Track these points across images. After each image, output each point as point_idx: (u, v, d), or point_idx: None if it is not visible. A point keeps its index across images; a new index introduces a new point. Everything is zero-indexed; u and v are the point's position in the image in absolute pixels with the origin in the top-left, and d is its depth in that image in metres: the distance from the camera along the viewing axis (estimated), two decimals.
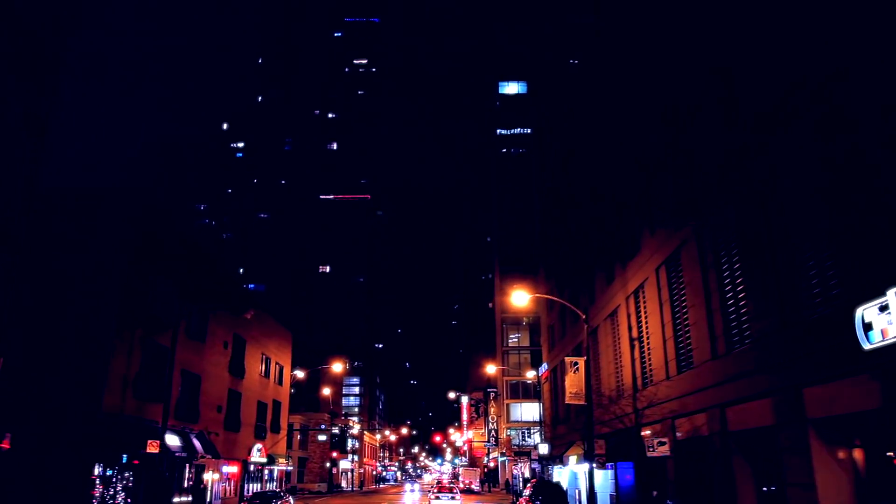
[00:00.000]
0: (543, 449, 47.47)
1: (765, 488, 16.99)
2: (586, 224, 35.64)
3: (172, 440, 29.15)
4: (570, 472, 38.75)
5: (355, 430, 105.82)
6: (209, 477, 35.94)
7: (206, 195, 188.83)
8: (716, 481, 18.84)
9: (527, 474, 51.23)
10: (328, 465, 78.37)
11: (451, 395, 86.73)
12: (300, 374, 58.12)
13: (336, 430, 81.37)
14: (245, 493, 42.14)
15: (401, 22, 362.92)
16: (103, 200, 27.73)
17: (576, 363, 26.48)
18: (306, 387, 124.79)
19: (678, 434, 21.93)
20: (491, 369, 63.21)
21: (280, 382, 51.84)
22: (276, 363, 50.64)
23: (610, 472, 30.40)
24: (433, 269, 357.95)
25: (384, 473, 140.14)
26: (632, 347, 27.08)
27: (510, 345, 79.84)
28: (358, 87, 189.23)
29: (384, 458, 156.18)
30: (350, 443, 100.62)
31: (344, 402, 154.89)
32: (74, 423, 24.33)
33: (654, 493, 24.32)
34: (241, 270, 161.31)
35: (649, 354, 25.17)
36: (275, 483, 50.23)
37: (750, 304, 16.85)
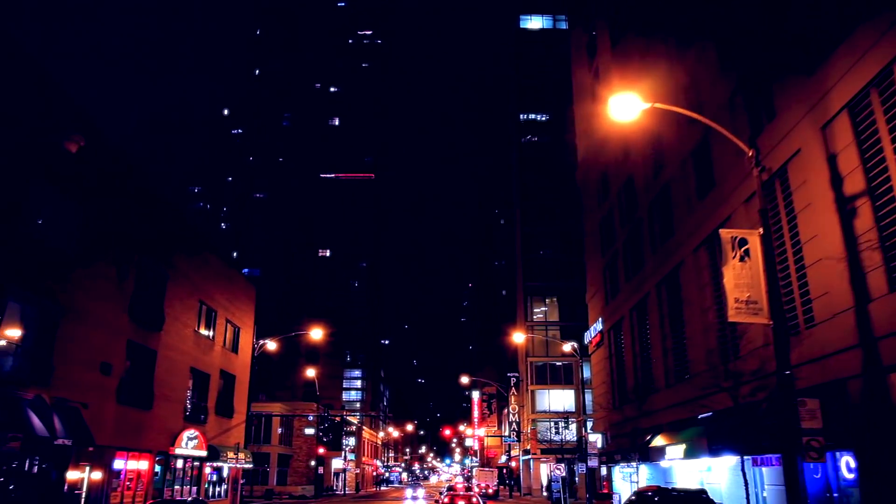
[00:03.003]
0: (596, 441, 33.72)
1: None
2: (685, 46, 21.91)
3: None
4: (653, 473, 24.95)
5: (353, 424, 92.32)
6: (83, 476, 22.48)
7: (199, 174, 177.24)
8: None
9: (559, 473, 37.34)
10: (313, 463, 64.90)
11: (464, 379, 73.26)
12: (271, 344, 44.79)
13: (326, 423, 67.81)
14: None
15: None
16: None
17: (742, 242, 12.75)
18: (294, 374, 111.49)
19: None
20: (518, 338, 49.40)
21: (235, 349, 38.39)
22: (229, 322, 37.20)
23: (769, 472, 16.70)
24: (443, 258, 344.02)
25: (387, 475, 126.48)
26: (844, 217, 13.38)
27: (535, 319, 66.02)
28: (362, 59, 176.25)
29: (388, 458, 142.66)
30: (347, 440, 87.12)
31: (344, 396, 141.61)
32: None
33: None
34: (235, 254, 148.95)
35: None
36: (225, 485, 36.74)
37: None
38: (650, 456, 22.74)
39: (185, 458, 31.04)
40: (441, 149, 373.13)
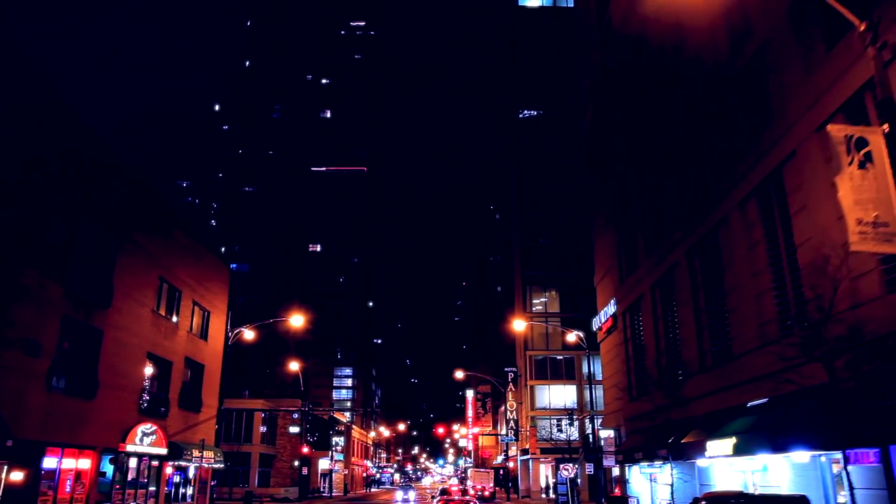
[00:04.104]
0: (609, 437, 29.96)
1: None
2: None
3: None
4: (684, 473, 21.09)
5: (342, 423, 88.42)
6: None
7: (188, 169, 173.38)
8: None
9: (567, 474, 33.40)
10: (297, 463, 60.98)
11: (459, 374, 69.42)
12: (249, 333, 40.70)
13: (309, 418, 63.81)
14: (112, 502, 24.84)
15: None
16: None
17: (860, 142, 9.01)
18: (283, 372, 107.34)
19: None
20: (519, 325, 45.46)
21: (204, 336, 34.47)
22: (196, 304, 33.27)
23: (861, 471, 12.90)
24: (437, 256, 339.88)
25: (379, 476, 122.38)
26: None
27: (535, 311, 62.27)
28: (355, 50, 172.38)
29: (379, 458, 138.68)
30: (335, 440, 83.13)
31: (335, 394, 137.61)
32: None
33: None
34: (223, 249, 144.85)
35: None
36: (191, 487, 32.78)
37: None
38: (684, 453, 18.97)
39: (141, 456, 27.12)
40: (436, 141, 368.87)
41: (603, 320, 33.09)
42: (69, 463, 22.16)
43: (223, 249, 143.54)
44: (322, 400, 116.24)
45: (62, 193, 21.41)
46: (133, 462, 26.86)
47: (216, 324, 36.15)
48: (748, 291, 17.21)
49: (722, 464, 18.49)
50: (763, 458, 16.00)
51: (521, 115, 69.93)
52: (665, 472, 22.69)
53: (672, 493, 19.25)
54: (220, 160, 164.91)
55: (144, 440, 26.93)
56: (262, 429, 62.37)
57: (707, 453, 17.36)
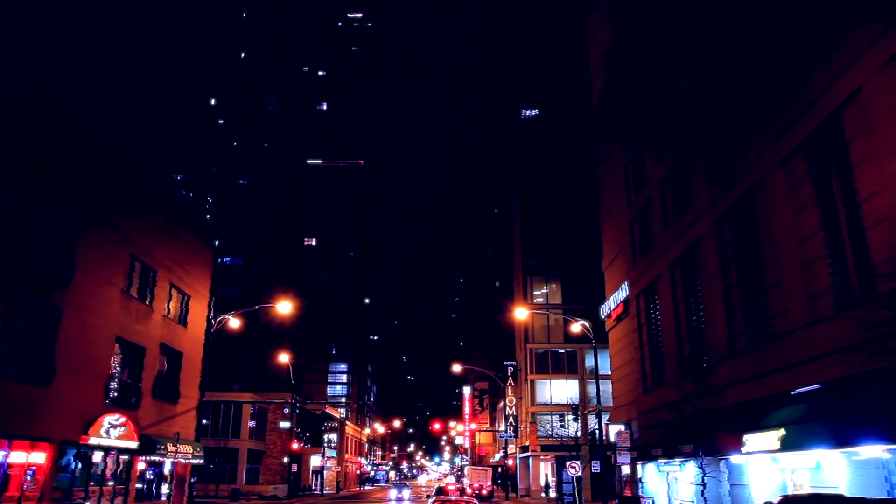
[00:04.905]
0: (623, 432, 27.55)
1: None
2: None
3: None
4: (712, 471, 18.64)
5: (335, 419, 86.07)
6: None
7: (182, 162, 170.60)
8: None
9: (574, 472, 30.95)
10: (286, 460, 58.61)
11: (457, 367, 67.04)
12: (234, 320, 38.25)
13: (297, 412, 61.43)
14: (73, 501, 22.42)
15: None
16: None
17: None
18: (275, 367, 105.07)
19: None
20: (521, 314, 42.90)
21: (183, 321, 32.02)
22: (174, 287, 30.81)
23: None
24: (434, 251, 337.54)
25: (374, 473, 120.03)
26: None
27: (536, 302, 59.90)
28: (352, 42, 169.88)
29: (374, 456, 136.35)
30: (328, 436, 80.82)
31: (329, 390, 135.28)
32: None
33: None
34: (217, 243, 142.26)
35: None
36: (166, 484, 30.35)
37: None
38: (714, 449, 16.60)
39: (107, 449, 24.69)
40: (434, 135, 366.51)
41: (612, 307, 30.73)
42: (19, 456, 19.75)
43: (217, 242, 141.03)
44: (317, 396, 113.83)
45: (15, 155, 18.97)
46: (98, 456, 24.45)
47: (197, 309, 33.72)
48: (793, 261, 14.86)
49: (760, 461, 16.12)
50: (817, 454, 13.64)
51: (521, 109, 67.59)
52: (687, 471, 20.34)
53: (704, 494, 16.87)
54: (214, 153, 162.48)
55: (111, 432, 24.51)
56: (251, 424, 59.91)
57: (744, 448, 15.02)
